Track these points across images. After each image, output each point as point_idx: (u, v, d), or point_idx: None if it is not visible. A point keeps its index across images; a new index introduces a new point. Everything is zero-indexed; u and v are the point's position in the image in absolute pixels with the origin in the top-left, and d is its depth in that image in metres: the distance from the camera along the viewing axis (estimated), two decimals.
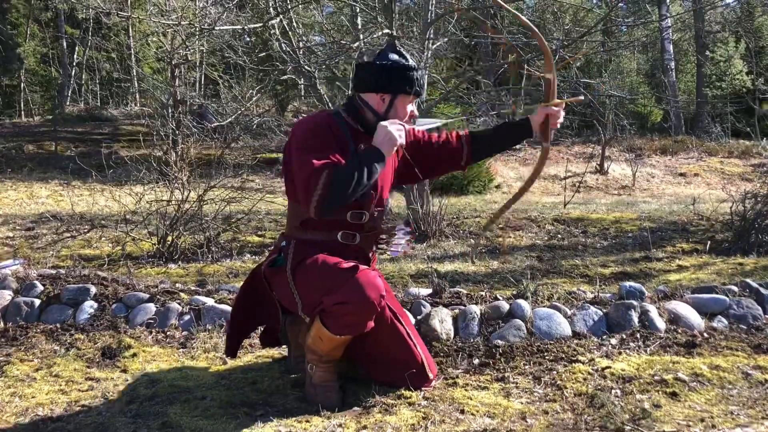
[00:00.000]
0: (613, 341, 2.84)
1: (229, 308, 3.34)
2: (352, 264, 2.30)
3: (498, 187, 12.41)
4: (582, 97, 2.62)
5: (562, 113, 2.55)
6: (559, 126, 2.58)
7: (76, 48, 24.27)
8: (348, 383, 2.52)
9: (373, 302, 2.23)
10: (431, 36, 6.45)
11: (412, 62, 2.44)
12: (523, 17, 2.79)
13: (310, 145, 2.28)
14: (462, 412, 2.27)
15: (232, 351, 2.71)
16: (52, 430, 2.25)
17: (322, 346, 2.38)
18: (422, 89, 2.48)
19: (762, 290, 3.17)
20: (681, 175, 13.37)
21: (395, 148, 2.33)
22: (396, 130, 2.31)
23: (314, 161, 2.19)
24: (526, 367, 2.64)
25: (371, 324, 2.31)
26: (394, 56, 2.42)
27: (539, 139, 2.60)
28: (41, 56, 22.46)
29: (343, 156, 2.25)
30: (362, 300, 2.22)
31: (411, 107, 2.48)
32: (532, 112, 2.61)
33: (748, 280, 3.31)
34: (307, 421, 2.23)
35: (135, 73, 21.76)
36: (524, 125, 2.61)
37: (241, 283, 2.74)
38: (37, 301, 3.51)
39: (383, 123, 2.32)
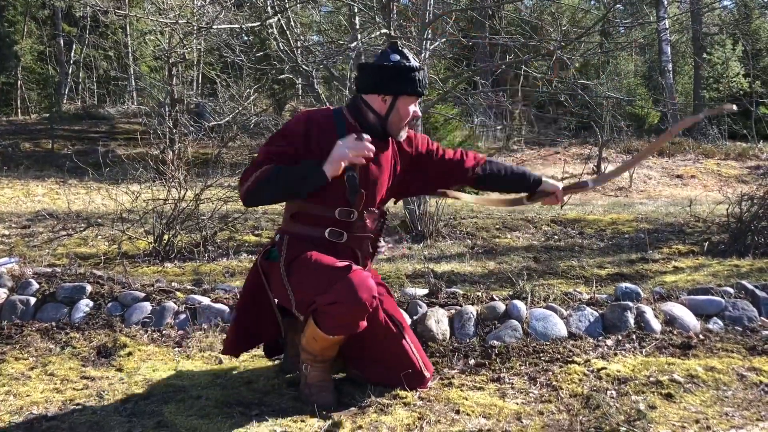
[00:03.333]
0: (609, 342, 2.84)
1: (225, 307, 3.33)
2: (345, 264, 2.29)
3: None
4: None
5: (563, 200, 2.67)
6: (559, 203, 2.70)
7: (74, 46, 24.19)
8: (343, 383, 2.52)
9: (365, 303, 2.22)
10: (429, 36, 6.45)
11: (414, 62, 2.40)
12: None
13: (276, 136, 2.41)
14: (457, 412, 2.27)
15: (235, 348, 2.59)
16: (46, 428, 2.24)
17: (315, 346, 2.38)
18: (425, 89, 2.45)
19: (757, 292, 3.17)
20: (678, 176, 13.38)
21: (340, 168, 2.30)
22: (352, 150, 2.30)
23: (262, 152, 2.35)
24: (522, 367, 2.65)
25: (363, 324, 2.30)
26: (396, 56, 2.39)
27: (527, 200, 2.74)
28: (38, 54, 22.35)
29: (303, 156, 2.33)
30: (354, 301, 2.21)
31: (414, 108, 2.46)
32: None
33: (744, 282, 3.31)
34: (303, 421, 2.23)
35: (132, 72, 21.71)
36: (534, 184, 2.67)
37: (238, 282, 2.73)
38: (33, 300, 3.50)
39: (341, 141, 2.32)
